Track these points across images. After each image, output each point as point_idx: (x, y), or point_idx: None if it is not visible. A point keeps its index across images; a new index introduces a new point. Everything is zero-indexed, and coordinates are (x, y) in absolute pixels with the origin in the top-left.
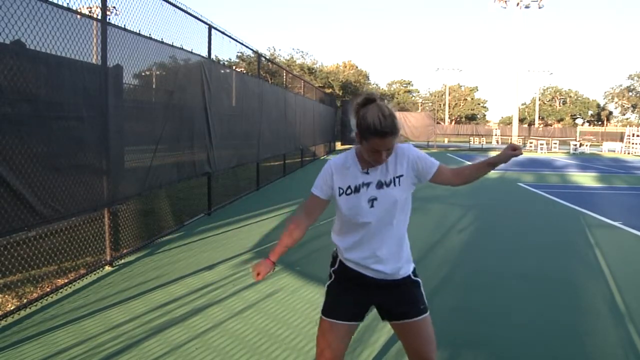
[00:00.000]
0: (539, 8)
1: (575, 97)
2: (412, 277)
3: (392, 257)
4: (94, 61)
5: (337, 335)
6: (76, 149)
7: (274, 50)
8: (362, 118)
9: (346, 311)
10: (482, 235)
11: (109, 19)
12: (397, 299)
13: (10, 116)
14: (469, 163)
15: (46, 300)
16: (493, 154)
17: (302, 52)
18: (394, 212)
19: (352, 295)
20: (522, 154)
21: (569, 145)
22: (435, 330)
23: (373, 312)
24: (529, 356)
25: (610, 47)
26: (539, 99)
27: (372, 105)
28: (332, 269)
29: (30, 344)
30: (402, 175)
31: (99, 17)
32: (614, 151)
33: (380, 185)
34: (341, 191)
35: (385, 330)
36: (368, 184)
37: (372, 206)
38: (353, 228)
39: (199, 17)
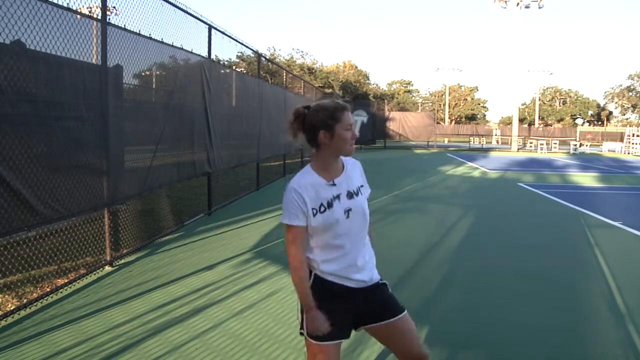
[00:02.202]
0: (539, 8)
1: (575, 97)
2: (382, 281)
3: (367, 265)
4: (94, 61)
5: (333, 355)
6: (76, 149)
7: (274, 50)
8: (323, 109)
9: (336, 331)
10: (481, 235)
11: (109, 19)
12: (380, 303)
13: (11, 116)
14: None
15: (46, 300)
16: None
17: (302, 52)
18: (364, 220)
19: (336, 313)
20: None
21: (569, 145)
22: (435, 330)
23: None
24: (528, 356)
25: (610, 47)
26: (539, 99)
27: (314, 104)
28: (313, 295)
29: (30, 344)
30: (362, 186)
31: (99, 17)
32: (614, 151)
33: (350, 195)
34: (315, 211)
35: None
36: (338, 196)
37: (348, 217)
38: (331, 243)
39: (199, 17)
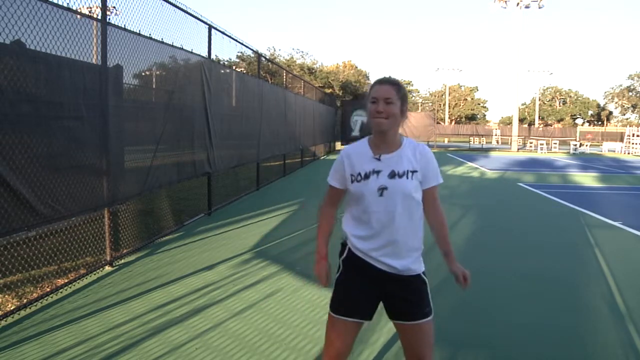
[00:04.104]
0: (539, 8)
1: (575, 97)
2: (422, 277)
3: (402, 252)
4: (94, 61)
5: (345, 331)
6: (76, 149)
7: (274, 50)
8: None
9: (355, 309)
10: (481, 235)
11: (109, 19)
12: (405, 297)
13: (11, 116)
14: (444, 228)
15: (46, 300)
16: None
17: (302, 52)
18: (405, 205)
19: (361, 291)
20: (463, 285)
21: (569, 145)
22: (435, 329)
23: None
24: (528, 356)
25: (610, 47)
26: (539, 99)
27: None
28: (341, 258)
29: (30, 344)
30: (416, 171)
31: (99, 17)
32: (614, 151)
33: (392, 175)
34: (352, 179)
35: (385, 330)
36: (378, 172)
37: (381, 195)
38: (364, 218)
39: (199, 17)
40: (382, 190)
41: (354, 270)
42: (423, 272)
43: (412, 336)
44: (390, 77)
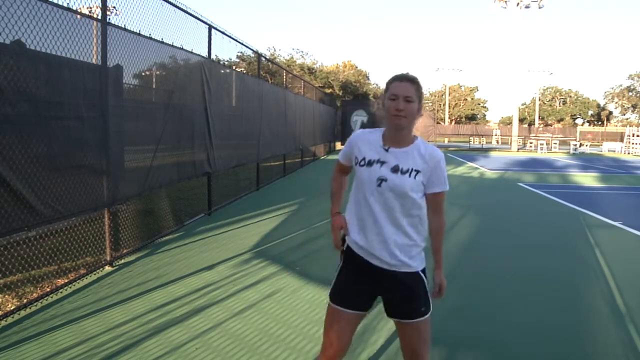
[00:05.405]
0: (539, 8)
1: (575, 97)
2: (420, 274)
3: (397, 248)
4: (94, 61)
5: (343, 322)
6: (76, 149)
7: (274, 50)
8: (388, 80)
9: (352, 300)
10: (481, 235)
11: (109, 19)
12: (402, 295)
13: (11, 116)
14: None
15: (46, 300)
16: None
17: (302, 52)
18: (401, 202)
19: (359, 284)
20: (436, 295)
21: (569, 145)
22: (435, 329)
23: (373, 312)
24: (528, 356)
25: (610, 47)
26: (539, 99)
27: None
28: (342, 248)
29: (30, 344)
30: (419, 172)
31: (99, 17)
32: (614, 151)
33: (395, 169)
34: (357, 160)
35: (385, 329)
36: (383, 162)
37: (379, 185)
38: (362, 205)
39: (199, 17)
40: (380, 181)
41: (353, 265)
42: (422, 270)
43: (408, 333)
44: (408, 73)
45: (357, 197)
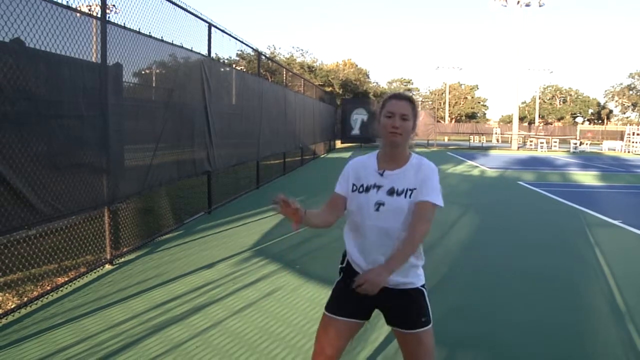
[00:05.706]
0: (540, 6)
1: (576, 95)
2: (420, 289)
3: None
4: (93, 59)
5: (335, 330)
6: (76, 148)
7: (274, 48)
8: (384, 98)
9: (346, 308)
10: (481, 234)
11: (109, 17)
12: (401, 308)
13: (10, 115)
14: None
15: (46, 298)
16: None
17: (302, 50)
18: (399, 223)
19: (356, 294)
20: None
21: (569, 143)
22: (435, 329)
23: (373, 312)
24: (528, 355)
25: (611, 45)
26: (539, 98)
27: None
28: (341, 266)
29: (31, 342)
30: (414, 189)
31: (99, 16)
32: (614, 150)
33: (391, 192)
34: (354, 187)
35: (385, 329)
36: (379, 187)
37: (377, 210)
38: (360, 230)
39: (199, 15)
40: (378, 205)
41: (348, 274)
42: (422, 286)
43: (409, 345)
44: (404, 92)
45: (354, 222)
